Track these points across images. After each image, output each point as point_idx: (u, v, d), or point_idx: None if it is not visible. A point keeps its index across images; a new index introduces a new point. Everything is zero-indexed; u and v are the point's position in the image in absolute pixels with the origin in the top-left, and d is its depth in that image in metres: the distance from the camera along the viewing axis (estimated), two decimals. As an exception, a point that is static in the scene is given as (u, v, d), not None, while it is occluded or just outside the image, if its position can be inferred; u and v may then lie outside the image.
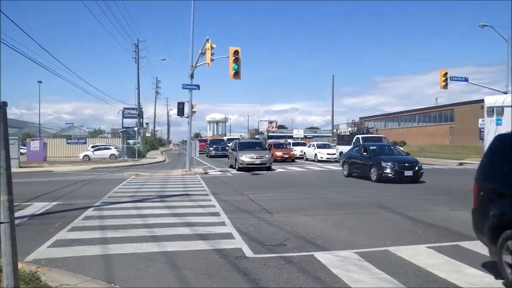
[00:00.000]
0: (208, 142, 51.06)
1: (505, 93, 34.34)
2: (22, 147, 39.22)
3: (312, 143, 43.67)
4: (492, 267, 5.85)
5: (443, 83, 30.82)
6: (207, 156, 44.94)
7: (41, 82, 62.94)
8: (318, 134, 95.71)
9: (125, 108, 51.55)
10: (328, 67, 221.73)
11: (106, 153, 42.24)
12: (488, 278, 5.42)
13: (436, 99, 79.83)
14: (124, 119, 51.16)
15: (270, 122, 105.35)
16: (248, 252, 6.85)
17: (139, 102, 52.29)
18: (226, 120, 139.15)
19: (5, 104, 4.01)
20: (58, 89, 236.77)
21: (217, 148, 44.49)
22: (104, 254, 6.77)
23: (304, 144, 45.61)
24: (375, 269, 5.86)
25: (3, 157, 3.97)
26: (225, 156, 38.56)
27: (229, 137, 70.15)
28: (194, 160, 28.34)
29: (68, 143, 51.16)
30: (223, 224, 9.21)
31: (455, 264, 6.04)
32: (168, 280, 5.55)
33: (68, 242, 7.63)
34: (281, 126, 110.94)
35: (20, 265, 4.62)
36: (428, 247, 6.98)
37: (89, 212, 10.71)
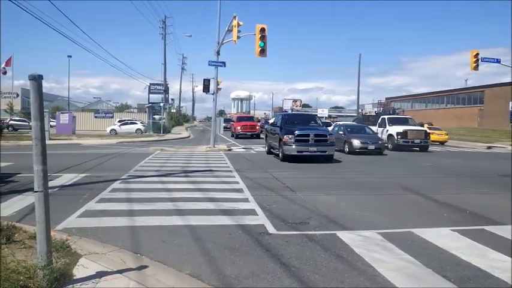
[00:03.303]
0: (279, 122, 20.37)
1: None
2: (52, 120, 40.14)
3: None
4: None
5: (474, 64, 29.95)
6: (274, 152, 19.77)
7: (70, 56, 64.46)
8: (343, 114, 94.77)
9: (151, 84, 52.00)
10: (353, 46, 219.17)
11: (132, 127, 42.81)
12: None
13: (466, 80, 77.60)
14: (150, 95, 51.67)
15: (295, 101, 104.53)
16: (271, 228, 6.93)
17: (165, 78, 52.79)
18: (251, 97, 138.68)
19: (40, 77, 4.12)
20: (86, 64, 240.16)
21: (303, 139, 17.61)
22: (130, 226, 6.95)
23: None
24: (398, 249, 5.87)
25: (38, 129, 4.10)
26: (315, 159, 17.84)
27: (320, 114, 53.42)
28: (218, 137, 28.52)
29: (95, 117, 51.96)
30: (246, 200, 9.31)
31: (479, 248, 5.99)
32: (193, 252, 5.68)
33: (96, 212, 7.86)
34: (305, 105, 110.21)
35: (51, 233, 4.80)
36: (452, 230, 6.92)
37: (116, 185, 10.97)
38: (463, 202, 9.37)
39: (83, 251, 5.34)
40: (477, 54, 30.00)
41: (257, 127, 37.25)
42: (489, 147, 29.50)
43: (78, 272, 4.60)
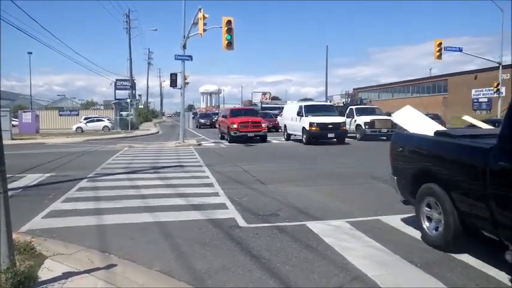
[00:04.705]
0: None
1: (499, 63, 34.37)
2: (14, 119, 38.90)
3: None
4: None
5: (438, 53, 30.63)
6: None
7: (31, 53, 62.13)
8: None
9: (117, 80, 50.99)
10: (322, 38, 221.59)
11: (99, 125, 41.98)
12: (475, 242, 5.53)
13: (430, 69, 79.48)
14: (116, 91, 50.69)
15: (264, 94, 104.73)
16: (241, 222, 6.93)
17: (131, 74, 51.72)
18: (220, 91, 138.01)
19: (-6, 74, 3.96)
20: (49, 61, 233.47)
21: None
22: (98, 224, 6.82)
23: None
24: (366, 237, 5.97)
25: (-7, 128, 3.95)
26: None
27: None
28: (188, 132, 28.27)
29: (60, 115, 50.72)
30: (216, 194, 9.28)
31: (444, 233, 6.15)
32: (162, 249, 5.62)
33: (62, 212, 7.67)
34: (275, 98, 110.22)
35: (14, 235, 4.66)
36: (418, 216, 7.07)
37: (83, 184, 10.72)
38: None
39: (48, 252, 5.20)
40: (440, 43, 30.67)
41: (263, 125, 25.28)
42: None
43: (44, 274, 4.49)
